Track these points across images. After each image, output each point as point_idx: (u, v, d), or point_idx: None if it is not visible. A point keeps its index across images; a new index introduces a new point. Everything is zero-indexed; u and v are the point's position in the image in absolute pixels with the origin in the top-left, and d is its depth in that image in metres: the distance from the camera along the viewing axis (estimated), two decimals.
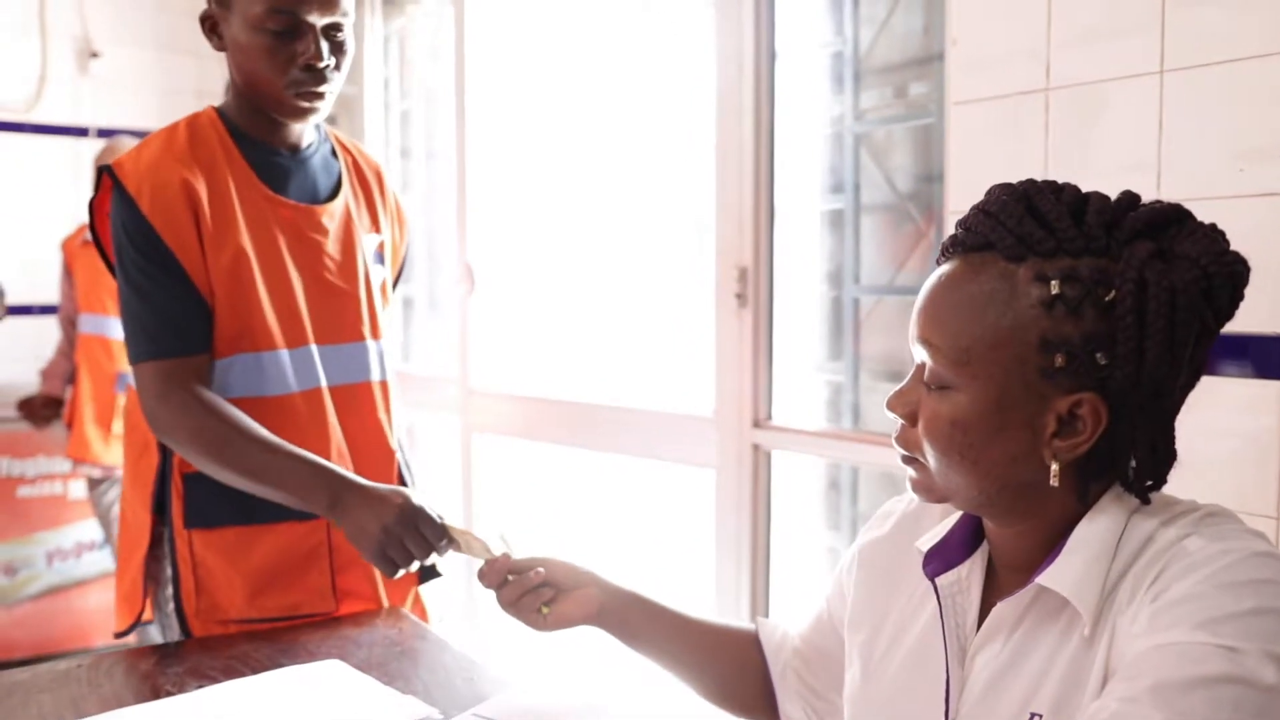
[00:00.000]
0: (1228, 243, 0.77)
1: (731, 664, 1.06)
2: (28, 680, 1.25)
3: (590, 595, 1.04)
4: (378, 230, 1.61)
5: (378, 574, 1.52)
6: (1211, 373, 1.06)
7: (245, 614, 1.43)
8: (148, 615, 1.51)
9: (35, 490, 3.38)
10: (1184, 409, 0.82)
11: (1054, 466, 0.78)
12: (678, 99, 2.37)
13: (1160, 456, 0.81)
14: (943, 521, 0.93)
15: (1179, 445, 0.81)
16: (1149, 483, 0.81)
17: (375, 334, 1.56)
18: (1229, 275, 0.76)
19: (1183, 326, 0.76)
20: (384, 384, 1.57)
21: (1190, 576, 0.73)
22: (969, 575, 0.87)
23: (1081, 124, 1.40)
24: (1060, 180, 0.83)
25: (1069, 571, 0.79)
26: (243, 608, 1.43)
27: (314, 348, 1.48)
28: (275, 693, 1.19)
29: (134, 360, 1.41)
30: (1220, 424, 1.27)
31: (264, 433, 1.38)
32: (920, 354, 0.83)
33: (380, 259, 1.62)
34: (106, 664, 1.30)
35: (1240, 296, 0.78)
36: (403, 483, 1.59)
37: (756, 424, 2.06)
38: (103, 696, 1.20)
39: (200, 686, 1.21)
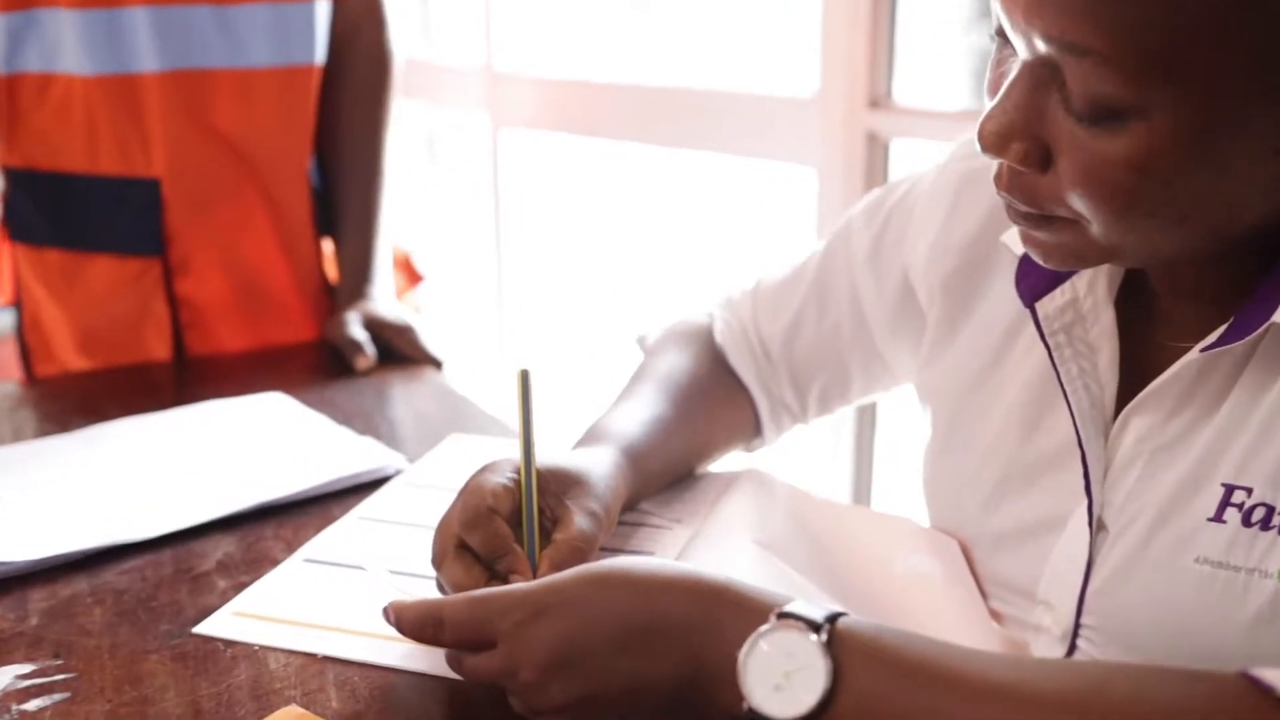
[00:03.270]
0: None
1: (733, 428, 0.98)
2: None
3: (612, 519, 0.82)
4: None
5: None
6: None
7: (77, 366, 1.33)
8: None
9: None
10: None
11: None
12: None
13: None
14: None
15: None
16: None
17: None
18: None
19: None
20: (279, 72, 1.32)
21: None
22: (1090, 294, 0.73)
23: None
24: None
25: None
26: (74, 357, 1.34)
27: (141, 10, 1.24)
28: (196, 432, 1.09)
29: None
30: None
31: None
32: (1041, 48, 0.60)
33: None
34: None
35: None
36: (315, 230, 1.40)
37: (873, 104, 1.83)
38: None
39: (87, 425, 1.11)
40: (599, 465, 0.79)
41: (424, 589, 0.77)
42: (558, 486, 0.74)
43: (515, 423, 1.07)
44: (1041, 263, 0.67)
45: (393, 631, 0.66)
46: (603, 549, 0.80)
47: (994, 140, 0.62)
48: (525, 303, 2.83)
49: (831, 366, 0.95)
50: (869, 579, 0.83)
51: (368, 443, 1.04)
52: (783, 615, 0.57)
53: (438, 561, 0.71)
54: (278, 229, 1.37)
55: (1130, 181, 0.58)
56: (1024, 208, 0.64)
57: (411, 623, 0.65)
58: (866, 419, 1.87)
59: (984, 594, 0.79)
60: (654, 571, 0.62)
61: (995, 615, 0.78)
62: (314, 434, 1.07)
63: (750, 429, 0.98)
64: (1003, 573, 0.78)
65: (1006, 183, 0.64)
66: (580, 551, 0.71)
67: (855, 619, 0.57)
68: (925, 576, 0.81)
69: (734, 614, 0.59)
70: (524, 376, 0.73)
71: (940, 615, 0.77)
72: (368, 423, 1.11)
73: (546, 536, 0.73)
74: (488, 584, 0.69)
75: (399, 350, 1.29)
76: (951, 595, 0.79)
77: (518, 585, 0.63)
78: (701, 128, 2.14)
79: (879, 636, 0.57)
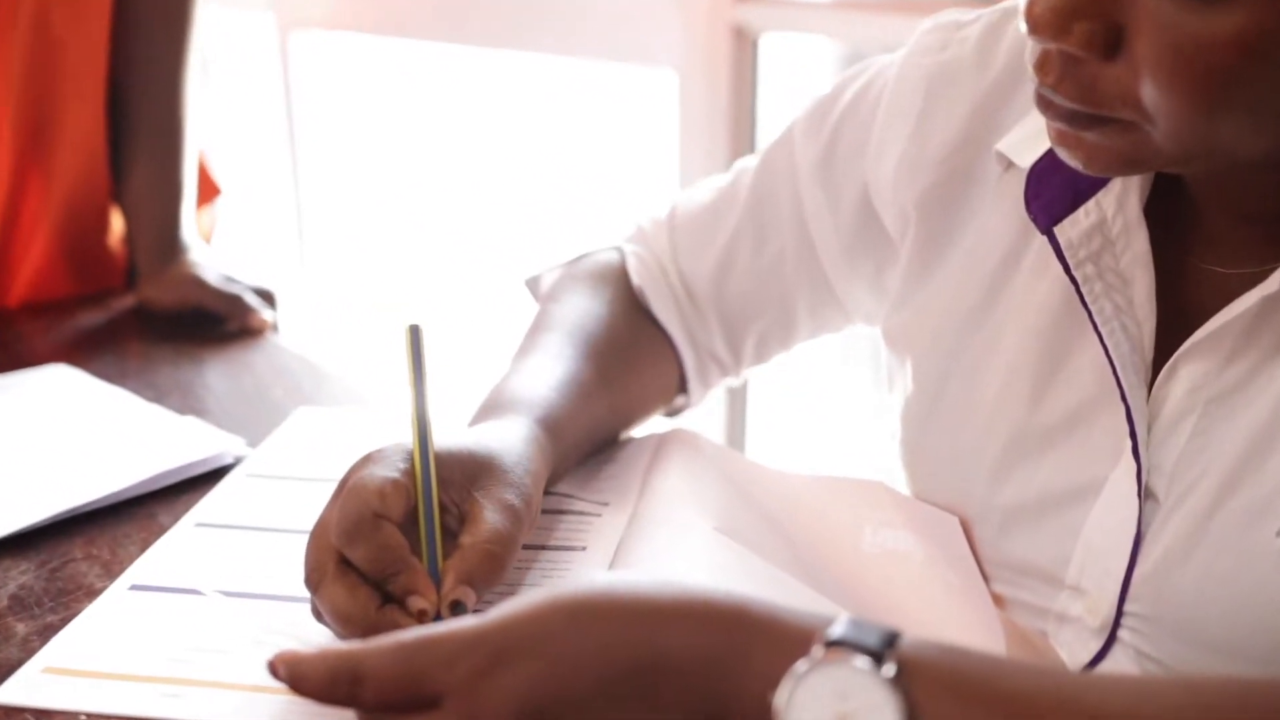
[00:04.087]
0: None
1: (659, 387, 0.94)
2: None
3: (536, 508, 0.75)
4: None
5: None
6: None
7: None
8: None
9: None
10: None
11: None
12: None
13: None
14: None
15: None
16: None
17: None
18: None
19: None
20: None
21: None
22: (1120, 213, 0.68)
23: None
24: None
25: None
26: None
27: None
28: None
29: None
30: None
31: None
32: None
33: None
34: None
35: None
36: (109, 162, 1.28)
37: None
38: None
39: None
40: (512, 443, 0.71)
41: (290, 618, 0.68)
42: (463, 475, 0.66)
43: (380, 389, 0.99)
44: (1081, 168, 0.61)
45: (267, 680, 0.55)
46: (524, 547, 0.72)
47: (1051, 19, 0.56)
48: (332, 238, 2.74)
49: (773, 308, 0.89)
50: (836, 561, 0.77)
51: (192, 424, 0.94)
52: (832, 643, 0.49)
53: (313, 583, 0.63)
54: (54, 161, 1.23)
55: (1233, 67, 0.53)
56: (1072, 105, 0.58)
57: (317, 680, 0.54)
58: None
59: (985, 576, 0.75)
60: (647, 593, 0.52)
61: (998, 600, 0.74)
62: (120, 417, 0.96)
63: (674, 386, 0.92)
64: (1016, 554, 0.73)
65: (1058, 74, 0.58)
66: (495, 558, 0.64)
67: (917, 640, 0.50)
68: (901, 555, 0.76)
69: (762, 643, 0.50)
70: (414, 334, 0.65)
71: (930, 603, 0.73)
72: (187, 399, 1.02)
73: (452, 540, 0.64)
74: (379, 609, 0.62)
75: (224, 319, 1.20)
76: (938, 576, 0.74)
77: (465, 622, 0.53)
78: (536, 27, 2.09)
79: (956, 663, 0.49)
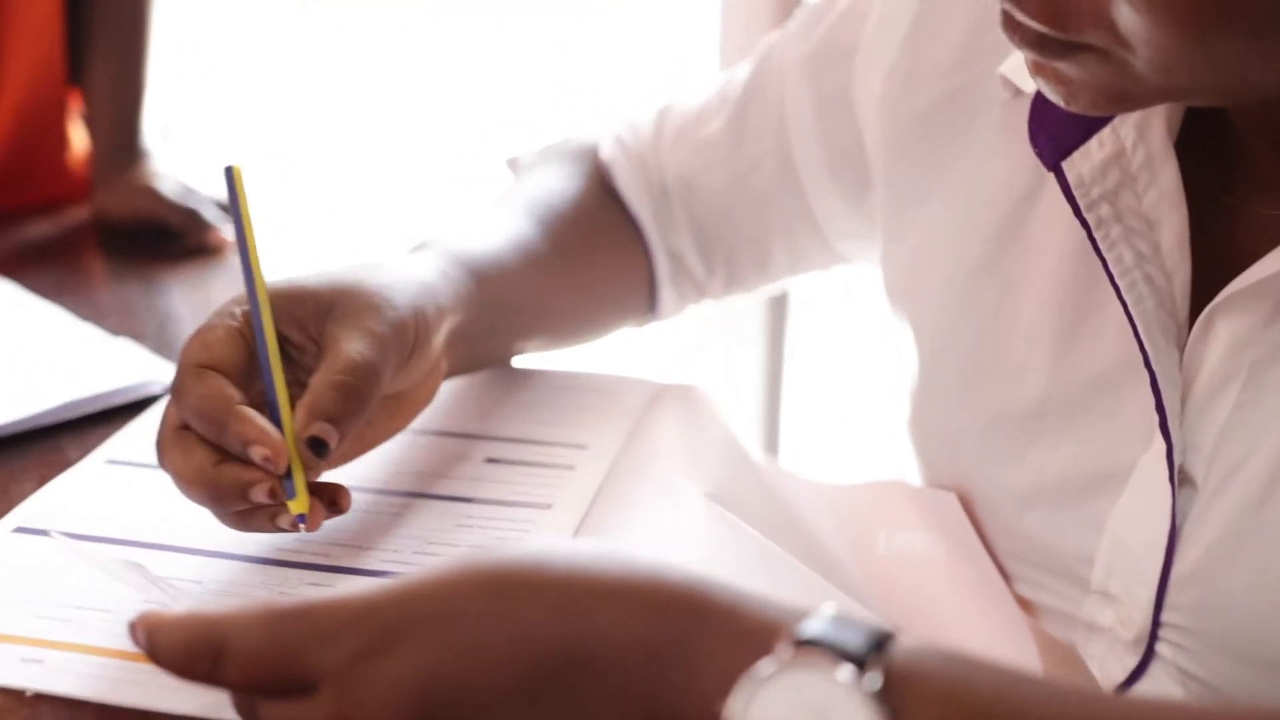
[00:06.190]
0: None
1: (623, 278, 0.89)
2: None
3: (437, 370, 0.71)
4: None
5: None
6: None
7: None
8: None
9: None
10: None
11: None
12: None
13: None
14: None
15: None
16: None
17: None
18: None
19: None
20: None
21: None
22: (1141, 142, 0.61)
23: None
24: None
25: None
26: None
27: None
28: None
29: None
30: None
31: None
32: None
33: None
34: None
35: None
36: (64, 69, 1.22)
37: None
38: None
39: None
40: (396, 271, 0.65)
41: (192, 574, 0.60)
42: (316, 307, 0.61)
43: None
44: (1064, 105, 0.54)
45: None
46: (468, 499, 0.67)
47: None
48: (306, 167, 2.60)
49: (743, 220, 0.84)
50: (849, 560, 0.71)
51: (123, 347, 0.86)
52: (803, 643, 0.40)
53: (157, 453, 0.60)
54: (5, 54, 1.17)
55: None
56: (1039, 27, 0.51)
57: (173, 650, 0.45)
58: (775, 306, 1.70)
59: (1005, 576, 0.67)
60: (585, 566, 0.44)
61: (1024, 605, 0.67)
62: (44, 336, 0.90)
63: (644, 286, 0.86)
64: (1036, 548, 0.65)
65: (1038, 6, 0.51)
66: (347, 389, 0.58)
67: (912, 644, 0.41)
68: (920, 557, 0.70)
69: (718, 636, 0.42)
70: (234, 175, 0.61)
71: (957, 613, 0.67)
72: (126, 320, 0.94)
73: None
74: (216, 468, 0.57)
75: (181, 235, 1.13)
76: (961, 579, 0.67)
77: (356, 591, 0.44)
78: None
79: (964, 676, 0.41)
